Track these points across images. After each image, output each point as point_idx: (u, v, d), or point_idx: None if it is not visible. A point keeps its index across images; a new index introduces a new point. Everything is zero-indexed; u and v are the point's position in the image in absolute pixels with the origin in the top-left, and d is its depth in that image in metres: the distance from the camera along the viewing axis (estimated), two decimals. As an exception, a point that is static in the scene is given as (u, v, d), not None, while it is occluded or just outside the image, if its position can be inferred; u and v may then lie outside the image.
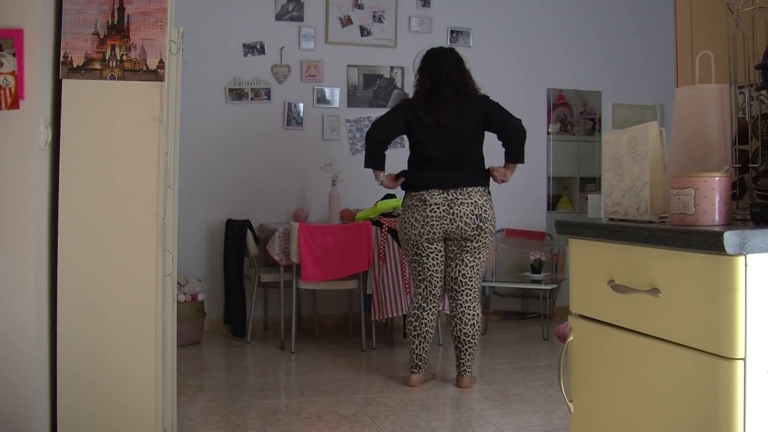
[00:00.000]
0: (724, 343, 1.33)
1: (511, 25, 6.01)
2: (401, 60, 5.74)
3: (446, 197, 3.79)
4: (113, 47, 2.64)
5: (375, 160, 3.93)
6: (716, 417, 1.34)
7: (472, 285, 3.92)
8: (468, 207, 3.79)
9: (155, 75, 2.67)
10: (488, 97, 3.94)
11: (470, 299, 3.91)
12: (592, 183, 6.35)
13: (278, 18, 5.54)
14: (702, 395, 1.37)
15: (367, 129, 5.62)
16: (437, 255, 3.91)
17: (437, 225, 3.80)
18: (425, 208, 3.81)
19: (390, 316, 4.73)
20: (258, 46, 5.49)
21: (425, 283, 3.96)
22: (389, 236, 4.76)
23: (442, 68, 3.89)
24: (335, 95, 5.66)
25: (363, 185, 5.49)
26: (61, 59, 2.61)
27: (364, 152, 4.04)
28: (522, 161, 3.96)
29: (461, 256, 3.89)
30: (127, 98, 2.67)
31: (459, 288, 3.91)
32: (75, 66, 2.62)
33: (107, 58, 2.64)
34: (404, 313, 4.74)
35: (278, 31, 5.53)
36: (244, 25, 5.46)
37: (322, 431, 3.27)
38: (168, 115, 2.72)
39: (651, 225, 1.58)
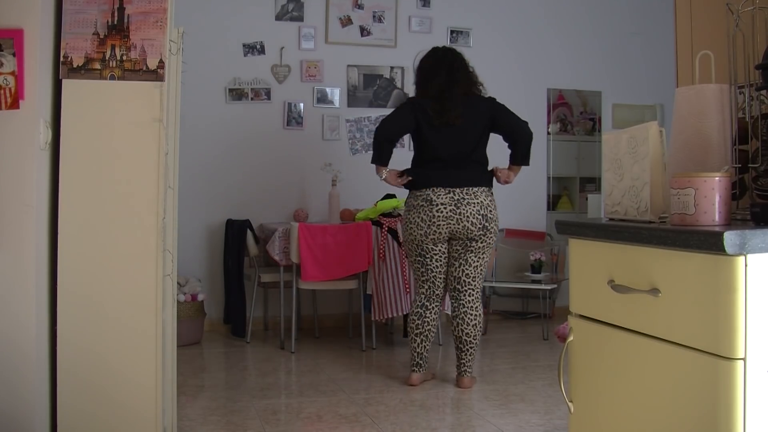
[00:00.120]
0: (724, 343, 1.33)
1: (511, 25, 6.01)
2: (401, 60, 5.74)
3: (453, 197, 3.79)
4: (113, 47, 2.64)
5: (382, 156, 3.92)
6: (716, 417, 1.34)
7: (474, 285, 3.92)
8: (474, 207, 3.80)
9: (155, 75, 2.67)
10: (495, 99, 3.96)
11: (473, 299, 3.91)
12: (592, 183, 6.35)
13: (278, 18, 5.54)
14: (702, 395, 1.37)
15: (367, 129, 5.58)
16: (441, 257, 3.92)
17: (443, 225, 3.80)
18: (431, 208, 3.80)
19: (390, 316, 4.73)
20: (258, 46, 5.49)
21: (428, 284, 3.96)
22: (389, 236, 4.75)
23: (454, 67, 3.91)
24: (335, 95, 5.66)
25: (363, 185, 5.50)
26: (61, 59, 2.61)
27: (371, 150, 4.04)
28: (527, 164, 3.99)
29: (465, 256, 3.89)
30: (127, 98, 2.67)
31: (462, 288, 3.91)
32: (75, 66, 2.62)
33: (107, 58, 2.64)
34: (404, 313, 4.74)
35: (278, 31, 5.53)
36: (244, 25, 5.46)
37: (322, 431, 3.27)
38: (168, 115, 2.72)
39: (651, 225, 1.58)
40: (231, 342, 5.10)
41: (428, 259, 3.91)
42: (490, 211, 3.85)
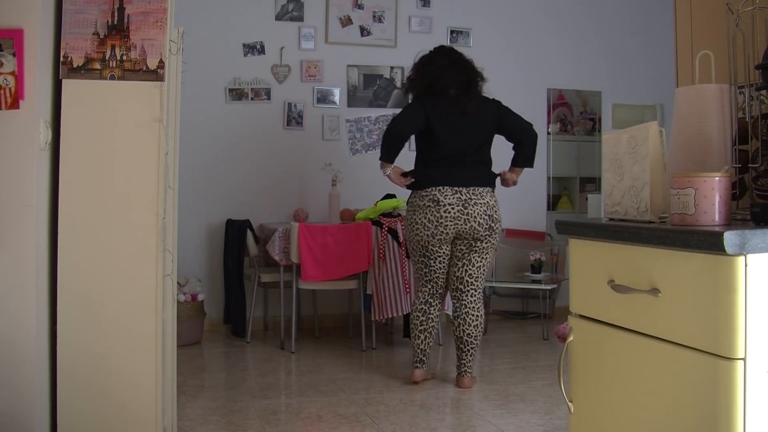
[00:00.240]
0: (724, 343, 1.33)
1: (511, 25, 6.01)
2: (401, 60, 5.73)
3: (460, 197, 3.79)
4: (113, 47, 2.64)
5: (391, 152, 3.92)
6: (716, 417, 1.34)
7: (477, 285, 3.93)
8: (481, 207, 3.81)
9: (155, 75, 2.67)
10: (500, 102, 4.00)
11: (475, 300, 3.91)
12: (592, 183, 6.36)
13: (278, 18, 5.54)
14: (702, 395, 1.37)
15: (367, 129, 5.58)
16: (444, 258, 3.92)
17: (451, 226, 3.80)
18: (439, 209, 3.80)
19: (390, 316, 4.73)
20: (258, 46, 5.49)
21: (431, 284, 3.97)
22: (389, 236, 4.75)
23: (462, 63, 3.95)
24: (335, 95, 5.66)
25: (363, 185, 5.51)
26: (61, 59, 2.61)
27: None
28: (532, 165, 4.02)
29: (469, 256, 3.89)
30: (127, 98, 2.67)
31: (465, 288, 3.91)
32: (75, 66, 2.62)
33: (107, 58, 2.64)
34: (404, 313, 4.74)
35: (278, 31, 5.53)
36: (244, 25, 5.46)
37: (322, 431, 3.27)
38: (168, 115, 2.72)
39: (651, 225, 1.58)
40: (231, 342, 5.10)
41: (432, 261, 3.92)
42: (495, 211, 3.88)
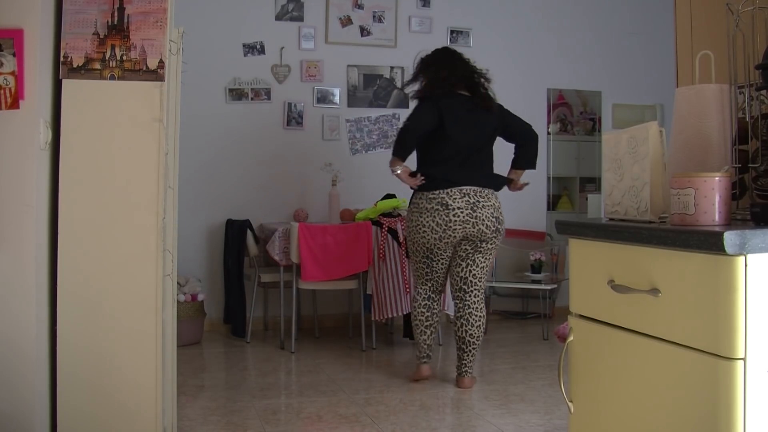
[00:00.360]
0: (724, 343, 1.33)
1: (511, 25, 6.01)
2: (401, 60, 5.74)
3: (468, 200, 3.79)
4: (113, 47, 2.64)
5: (406, 148, 3.93)
6: (716, 417, 1.34)
7: (480, 285, 3.94)
8: (489, 210, 3.82)
9: (155, 75, 2.67)
10: (501, 104, 4.02)
11: (478, 300, 3.92)
12: (592, 183, 6.36)
13: (278, 18, 5.54)
14: (702, 395, 1.37)
15: (367, 129, 5.60)
16: (447, 259, 3.95)
17: (459, 230, 3.81)
18: (448, 213, 3.79)
19: (390, 316, 4.73)
20: (258, 46, 5.49)
21: (431, 282, 4.00)
22: (389, 236, 4.75)
23: (474, 66, 4.00)
24: (335, 95, 5.66)
25: (363, 185, 5.51)
26: (61, 59, 2.61)
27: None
28: (534, 167, 4.04)
29: (473, 257, 3.89)
30: (127, 98, 2.67)
31: (468, 288, 3.91)
32: (75, 66, 2.62)
33: (107, 58, 2.64)
34: (404, 313, 4.74)
35: (278, 31, 5.53)
36: (244, 25, 5.46)
37: (322, 431, 3.27)
38: (168, 115, 2.72)
39: (651, 225, 1.58)
40: (231, 342, 5.10)
41: (435, 262, 3.93)
42: (500, 213, 3.91)
